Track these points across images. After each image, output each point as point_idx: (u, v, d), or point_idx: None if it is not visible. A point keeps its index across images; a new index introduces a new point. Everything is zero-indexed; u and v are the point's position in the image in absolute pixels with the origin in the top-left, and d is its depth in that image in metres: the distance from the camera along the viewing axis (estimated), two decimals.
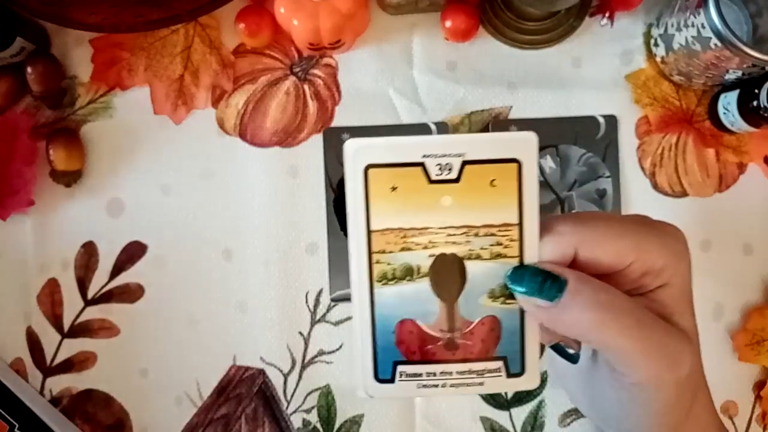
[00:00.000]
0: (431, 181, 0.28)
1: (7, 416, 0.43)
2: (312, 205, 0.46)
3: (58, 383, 0.46)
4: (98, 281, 0.46)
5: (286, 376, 0.45)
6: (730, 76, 0.42)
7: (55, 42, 0.46)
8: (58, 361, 0.46)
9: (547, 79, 0.46)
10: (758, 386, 0.45)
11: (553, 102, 0.46)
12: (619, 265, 0.28)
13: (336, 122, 0.46)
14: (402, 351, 0.29)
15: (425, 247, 0.28)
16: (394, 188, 0.28)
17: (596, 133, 0.46)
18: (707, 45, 0.39)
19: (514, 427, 0.45)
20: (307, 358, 0.46)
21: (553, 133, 0.46)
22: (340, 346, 0.46)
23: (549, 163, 0.46)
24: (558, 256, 0.28)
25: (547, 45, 0.46)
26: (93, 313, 0.46)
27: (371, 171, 0.28)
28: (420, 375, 0.29)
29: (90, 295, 0.46)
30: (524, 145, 0.28)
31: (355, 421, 0.45)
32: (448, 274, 0.28)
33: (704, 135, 0.47)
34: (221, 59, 0.46)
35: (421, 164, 0.27)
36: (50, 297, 0.46)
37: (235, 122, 0.46)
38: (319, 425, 0.45)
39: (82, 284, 0.46)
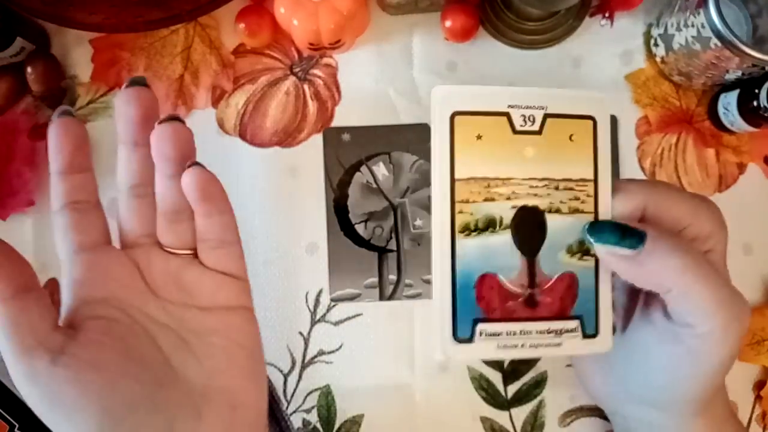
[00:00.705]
0: (515, 132, 0.28)
1: (7, 416, 0.43)
2: (312, 205, 0.46)
3: None
4: None
5: (286, 376, 0.45)
6: (730, 76, 0.42)
7: (55, 42, 0.46)
8: None
9: (547, 79, 0.46)
10: (758, 386, 0.45)
11: None
12: (677, 226, 0.30)
13: (336, 122, 0.46)
14: (483, 307, 0.28)
15: (508, 198, 0.28)
16: (479, 137, 0.28)
17: None
18: (707, 45, 0.39)
19: (514, 427, 0.45)
20: (307, 358, 0.46)
21: None
22: (340, 346, 0.46)
23: None
24: (629, 211, 0.29)
25: (547, 45, 0.46)
26: None
27: (457, 118, 0.27)
28: (500, 334, 0.28)
29: None
30: (599, 104, 0.28)
31: (355, 421, 0.45)
32: (529, 227, 0.28)
33: (704, 135, 0.47)
34: (221, 59, 0.46)
35: (506, 114, 0.28)
36: (50, 297, 0.45)
37: (235, 122, 0.46)
38: (319, 425, 0.45)
39: None
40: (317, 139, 0.46)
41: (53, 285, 0.46)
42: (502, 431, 0.45)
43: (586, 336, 0.29)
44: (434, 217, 0.28)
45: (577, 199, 0.28)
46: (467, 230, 0.28)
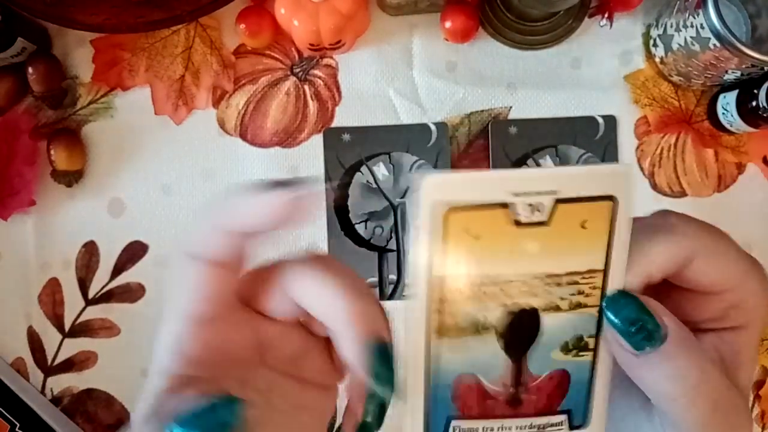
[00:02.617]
0: (519, 224, 0.23)
1: (8, 415, 0.43)
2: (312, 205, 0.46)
3: (59, 383, 0.46)
4: (99, 281, 0.46)
5: None
6: (729, 76, 0.42)
7: (56, 42, 0.46)
8: (59, 360, 0.46)
9: (547, 80, 0.47)
10: (757, 386, 0.46)
11: (552, 102, 0.46)
12: (718, 288, 0.26)
13: (336, 122, 0.46)
14: (458, 406, 0.26)
15: (497, 299, 0.24)
16: (476, 236, 0.24)
17: (595, 134, 0.46)
18: (706, 45, 0.39)
19: None
20: None
21: (553, 134, 0.46)
22: None
23: (548, 162, 0.46)
24: (676, 261, 0.25)
25: (546, 46, 0.46)
26: (94, 312, 0.46)
27: (452, 215, 0.23)
28: (476, 430, 0.26)
29: (91, 294, 0.46)
30: (622, 179, 0.24)
31: None
32: (520, 330, 0.25)
33: (703, 135, 0.47)
34: (222, 60, 0.46)
35: (508, 204, 0.23)
36: (51, 297, 0.46)
37: (236, 122, 0.46)
38: None
39: (83, 284, 0.46)
40: (317, 140, 0.46)
41: (54, 285, 0.46)
42: None
43: (573, 428, 0.26)
44: (408, 313, 0.25)
45: (581, 293, 0.24)
46: (447, 332, 0.25)
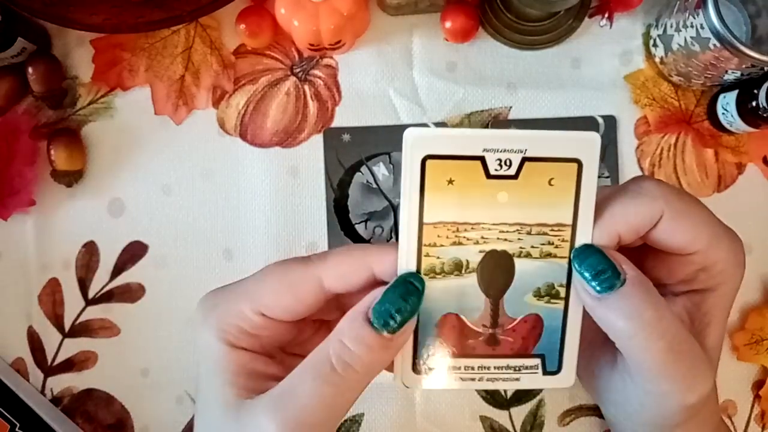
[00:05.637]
0: (489, 176, 0.27)
1: (8, 415, 0.44)
2: (312, 205, 0.46)
3: (59, 383, 0.46)
4: (99, 281, 0.46)
5: None
6: (729, 76, 0.42)
7: (56, 42, 0.46)
8: (59, 360, 0.46)
9: (547, 80, 0.47)
10: (757, 385, 0.46)
11: (552, 102, 0.46)
12: (686, 249, 0.28)
13: (336, 122, 0.46)
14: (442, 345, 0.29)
15: (476, 243, 0.28)
16: (450, 181, 0.27)
17: None
18: (706, 45, 0.39)
19: (513, 426, 0.45)
20: None
21: None
22: None
23: None
24: (643, 221, 0.27)
25: (546, 46, 0.46)
26: (94, 312, 0.46)
27: (429, 162, 0.27)
28: (458, 368, 0.29)
29: (91, 294, 0.46)
30: (587, 145, 0.27)
31: (356, 421, 0.45)
32: (496, 270, 0.28)
33: (703, 135, 0.47)
34: (222, 60, 0.46)
35: (481, 158, 0.27)
36: (51, 297, 0.46)
37: (236, 122, 0.46)
38: None
39: (83, 284, 0.46)
40: (317, 140, 0.46)
41: (54, 285, 0.46)
42: (501, 430, 0.45)
43: (546, 373, 0.29)
44: (400, 257, 0.28)
45: (550, 243, 0.28)
46: (432, 273, 0.28)
